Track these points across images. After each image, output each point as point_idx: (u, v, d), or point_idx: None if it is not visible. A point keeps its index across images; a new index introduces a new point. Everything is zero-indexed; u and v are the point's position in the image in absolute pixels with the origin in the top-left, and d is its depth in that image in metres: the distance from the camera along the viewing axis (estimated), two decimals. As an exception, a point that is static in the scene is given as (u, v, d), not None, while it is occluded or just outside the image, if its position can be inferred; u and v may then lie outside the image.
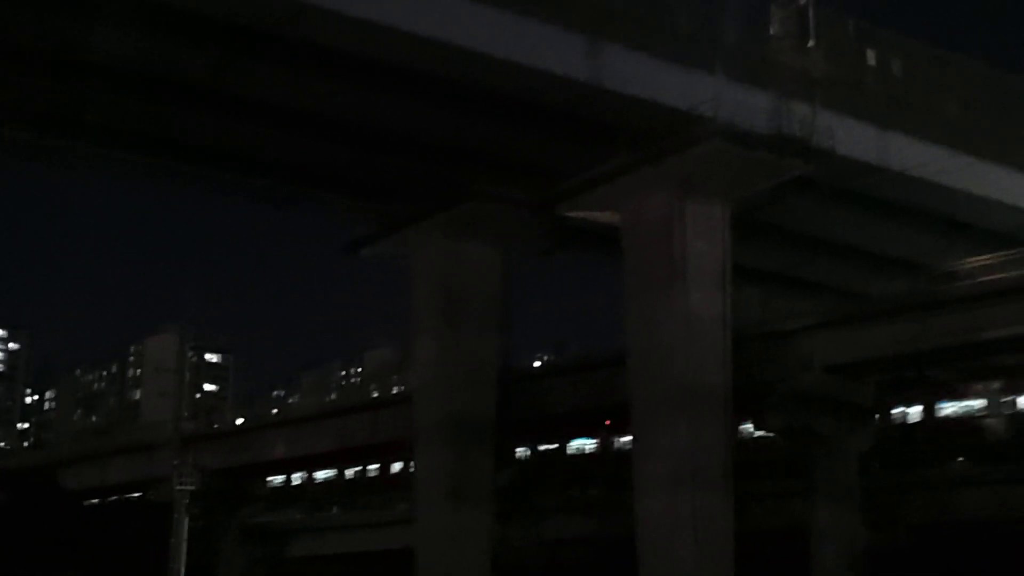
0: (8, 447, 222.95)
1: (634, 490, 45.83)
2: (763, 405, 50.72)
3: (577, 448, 75.08)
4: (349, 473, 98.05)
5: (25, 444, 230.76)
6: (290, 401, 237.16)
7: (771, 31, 48.52)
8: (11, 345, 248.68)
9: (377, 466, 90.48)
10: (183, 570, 62.12)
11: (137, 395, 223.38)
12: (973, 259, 49.25)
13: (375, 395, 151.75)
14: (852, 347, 48.95)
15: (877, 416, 53.82)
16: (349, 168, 47.73)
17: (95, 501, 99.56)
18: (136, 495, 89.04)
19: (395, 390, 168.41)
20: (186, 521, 61.12)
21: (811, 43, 47.94)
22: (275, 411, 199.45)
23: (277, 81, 39.71)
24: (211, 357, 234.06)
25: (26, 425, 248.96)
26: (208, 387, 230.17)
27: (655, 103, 42.27)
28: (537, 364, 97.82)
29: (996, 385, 57.85)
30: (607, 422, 66.55)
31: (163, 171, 49.84)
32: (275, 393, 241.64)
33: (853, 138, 46.66)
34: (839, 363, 49.31)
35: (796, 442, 51.81)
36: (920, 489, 54.00)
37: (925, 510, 53.40)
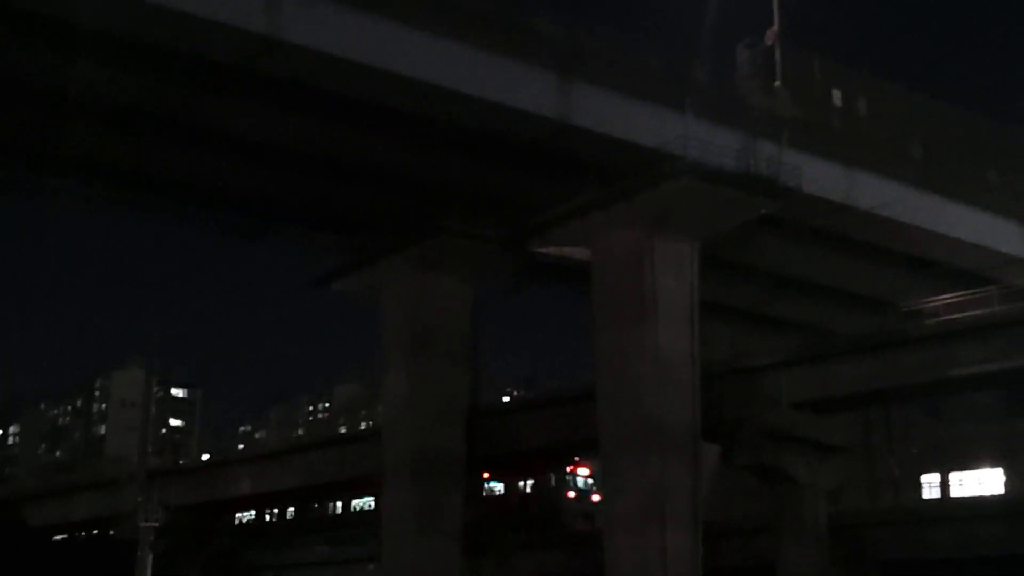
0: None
1: (603, 526, 45.70)
2: (732, 441, 50.78)
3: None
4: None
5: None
6: (257, 436, 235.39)
7: (739, 71, 49.10)
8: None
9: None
10: (147, 607, 61.36)
11: (102, 430, 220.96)
12: (939, 297, 49.67)
13: (343, 430, 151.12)
14: (820, 384, 49.14)
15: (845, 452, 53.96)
16: (319, 202, 47.70)
17: (60, 537, 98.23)
18: (101, 531, 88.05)
19: (363, 425, 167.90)
20: (151, 558, 60.42)
21: (778, 83, 48.55)
22: (241, 447, 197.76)
23: (248, 115, 39.73)
24: (177, 392, 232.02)
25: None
26: (174, 422, 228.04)
27: (625, 141, 42.59)
28: (506, 399, 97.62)
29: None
30: (576, 459, 66.26)
31: (131, 204, 49.57)
32: (242, 428, 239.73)
33: (820, 177, 47.18)
34: (807, 399, 49.48)
35: (764, 478, 51.86)
36: (888, 525, 54.07)
37: (893, 546, 53.43)
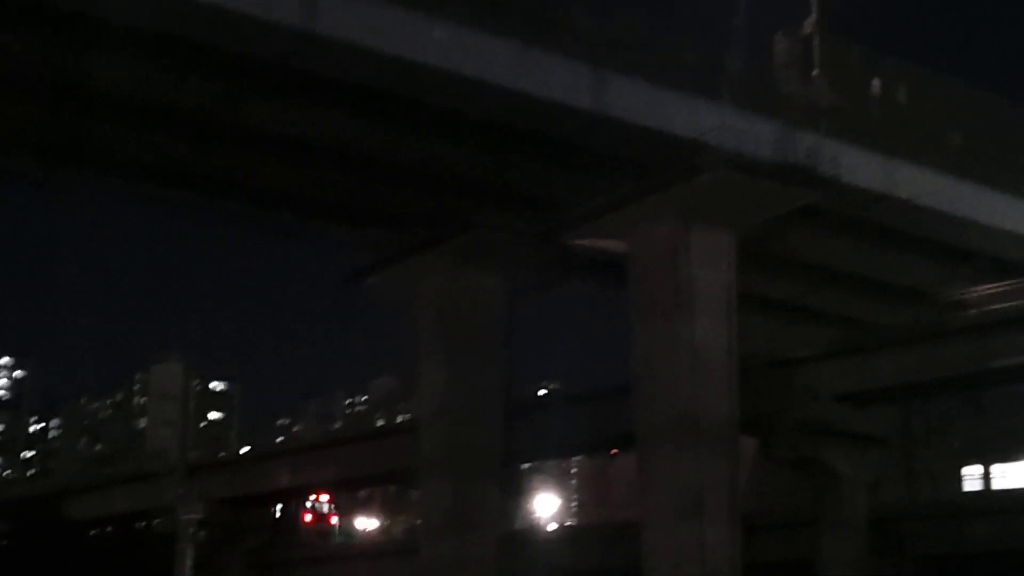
0: (13, 476, 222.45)
1: (641, 521, 45.51)
2: (770, 434, 50.44)
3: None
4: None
5: (30, 473, 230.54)
6: (295, 429, 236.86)
7: (776, 60, 48.60)
8: (16, 373, 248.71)
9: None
10: (187, 600, 61.66)
11: (142, 423, 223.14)
12: (980, 287, 49.04)
13: (379, 424, 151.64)
14: (859, 376, 48.69)
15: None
16: (353, 198, 47.69)
17: (100, 530, 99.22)
18: (141, 524, 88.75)
19: (400, 418, 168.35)
20: (191, 550, 60.72)
21: (816, 72, 47.97)
22: (279, 440, 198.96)
23: (281, 111, 39.73)
24: (216, 385, 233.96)
25: (31, 454, 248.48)
26: (213, 415, 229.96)
27: (660, 132, 42.25)
28: (542, 393, 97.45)
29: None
30: (613, 451, 66.27)
31: (168, 201, 49.86)
32: (280, 422, 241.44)
33: (859, 166, 46.62)
34: (846, 392, 49.04)
35: (803, 471, 51.47)
36: (929, 519, 53.54)
37: (933, 539, 52.90)
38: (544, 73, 39.62)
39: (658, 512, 44.47)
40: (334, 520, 58.79)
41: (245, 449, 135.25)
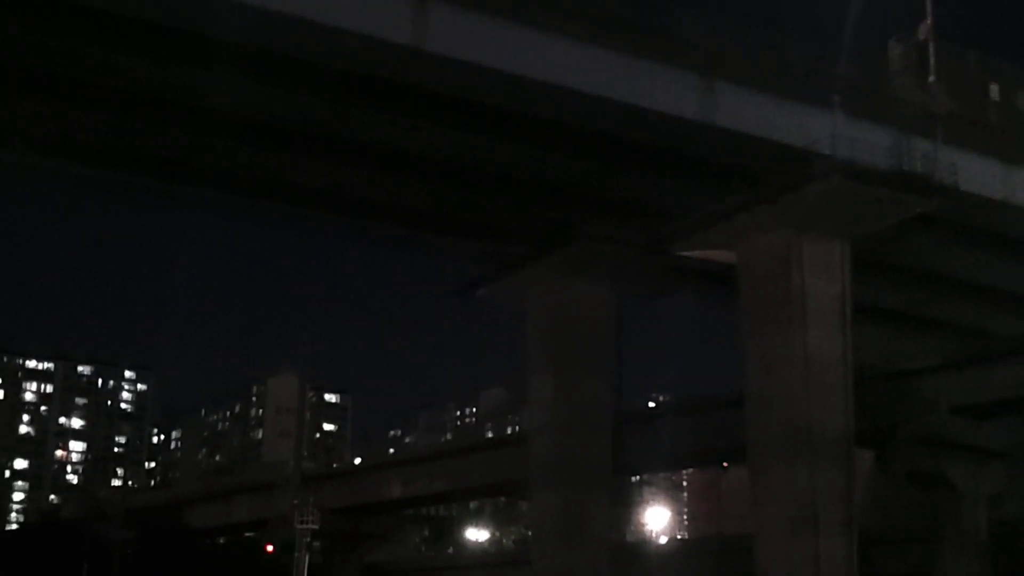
0: (136, 486, 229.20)
1: (754, 534, 45.00)
2: (887, 447, 49.46)
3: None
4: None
5: (152, 483, 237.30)
6: (406, 440, 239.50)
7: (890, 66, 47.81)
8: (139, 386, 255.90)
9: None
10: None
11: (259, 435, 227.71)
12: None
13: (490, 435, 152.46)
14: (978, 387, 47.47)
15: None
16: (463, 210, 48.25)
17: (218, 539, 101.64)
18: (258, 533, 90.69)
19: (509, 430, 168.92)
20: (307, 559, 61.79)
21: (931, 78, 47.04)
22: (392, 451, 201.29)
23: (392, 127, 40.43)
24: (330, 397, 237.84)
25: (153, 464, 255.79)
26: (327, 427, 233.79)
27: (770, 141, 41.90)
28: (651, 405, 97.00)
29: None
30: (724, 464, 65.67)
31: (281, 216, 51.10)
32: (392, 432, 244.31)
33: (977, 174, 45.57)
34: (965, 404, 47.85)
35: (921, 485, 50.35)
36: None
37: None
38: (653, 84, 39.64)
39: (772, 525, 43.90)
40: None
41: (358, 460, 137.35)
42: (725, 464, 65.69)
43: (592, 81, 38.50)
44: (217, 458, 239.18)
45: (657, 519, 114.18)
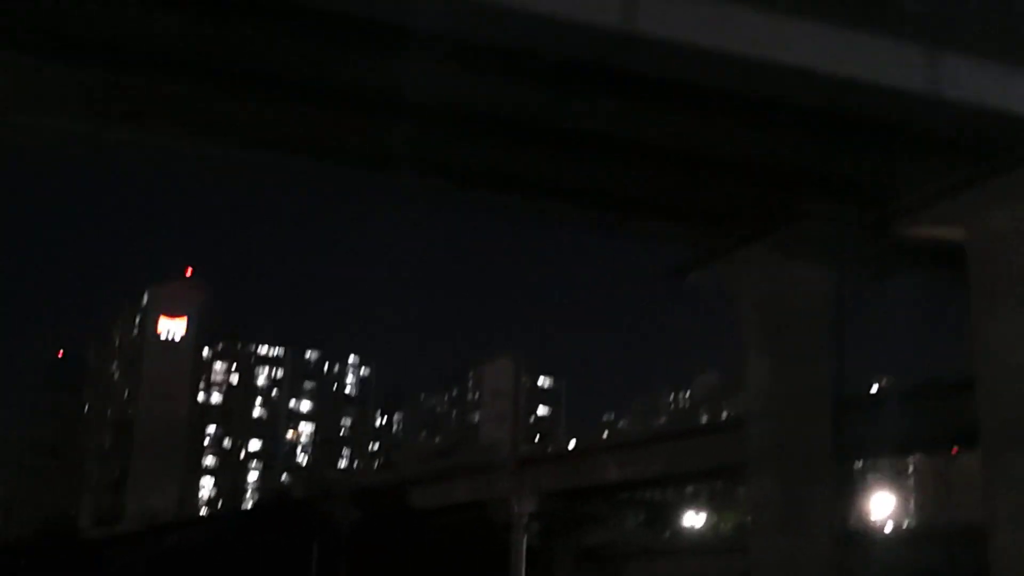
0: (362, 467, 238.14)
1: (986, 523, 43.00)
2: None
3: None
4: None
5: (376, 464, 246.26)
6: (620, 425, 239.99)
7: None
8: (363, 371, 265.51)
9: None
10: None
11: (476, 418, 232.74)
12: None
13: (704, 420, 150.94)
14: None
15: None
16: (675, 194, 47.74)
17: (439, 520, 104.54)
18: (476, 514, 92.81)
19: (724, 414, 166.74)
20: (525, 540, 62.75)
21: None
22: (605, 435, 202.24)
23: (604, 113, 40.31)
24: (544, 381, 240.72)
25: (376, 446, 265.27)
26: (541, 411, 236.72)
27: (1001, 111, 39.70)
28: (875, 389, 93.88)
29: None
30: (953, 450, 63.01)
31: (493, 205, 51.82)
32: (605, 417, 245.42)
33: None
34: None
35: None
36: None
37: None
38: (872, 56, 38.09)
39: (1006, 514, 41.81)
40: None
41: (572, 444, 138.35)
42: (954, 450, 62.83)
43: (808, 56, 37.30)
44: (436, 440, 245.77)
45: (882, 506, 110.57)
